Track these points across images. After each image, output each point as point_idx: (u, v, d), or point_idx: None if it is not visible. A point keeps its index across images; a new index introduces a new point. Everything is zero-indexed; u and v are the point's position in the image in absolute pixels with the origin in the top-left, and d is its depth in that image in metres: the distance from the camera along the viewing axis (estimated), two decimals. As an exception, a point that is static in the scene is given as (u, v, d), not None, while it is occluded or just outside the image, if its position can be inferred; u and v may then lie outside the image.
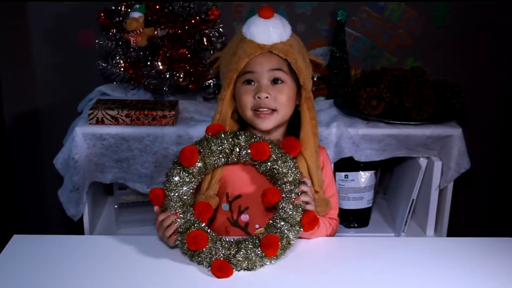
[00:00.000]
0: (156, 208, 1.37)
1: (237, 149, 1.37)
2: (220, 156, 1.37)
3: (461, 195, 2.44)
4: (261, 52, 1.41)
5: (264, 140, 1.37)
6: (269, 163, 1.36)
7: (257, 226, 1.45)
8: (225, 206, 1.47)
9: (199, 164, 1.35)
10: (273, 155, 1.36)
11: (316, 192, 1.45)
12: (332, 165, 1.96)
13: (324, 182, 1.53)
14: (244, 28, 1.43)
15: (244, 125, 1.51)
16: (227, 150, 1.37)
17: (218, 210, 1.48)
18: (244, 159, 1.38)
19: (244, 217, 1.46)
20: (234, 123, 1.50)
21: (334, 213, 1.56)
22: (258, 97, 1.42)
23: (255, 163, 1.38)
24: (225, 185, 1.46)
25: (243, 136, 1.37)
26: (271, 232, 1.32)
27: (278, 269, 1.30)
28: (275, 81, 1.44)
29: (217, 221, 1.49)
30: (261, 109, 1.43)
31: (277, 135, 1.50)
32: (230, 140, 1.37)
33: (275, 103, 1.43)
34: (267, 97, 1.42)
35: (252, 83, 1.44)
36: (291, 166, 1.36)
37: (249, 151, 1.36)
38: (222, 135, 1.37)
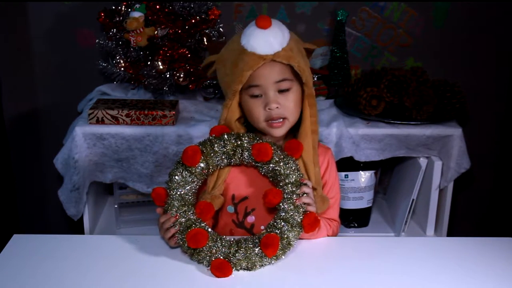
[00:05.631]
0: (159, 209, 1.38)
1: (240, 151, 1.37)
2: (223, 157, 1.38)
3: (461, 195, 2.44)
4: (264, 62, 1.40)
5: (266, 142, 1.38)
6: (271, 165, 1.37)
7: (262, 227, 1.45)
8: (230, 208, 1.47)
9: (202, 164, 1.36)
10: (275, 157, 1.37)
11: (314, 189, 1.45)
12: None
13: (327, 183, 1.53)
14: (243, 40, 1.40)
15: (250, 128, 1.50)
16: (230, 152, 1.37)
17: (222, 212, 1.48)
18: (246, 161, 1.39)
19: (250, 219, 1.47)
20: (241, 126, 1.50)
21: (335, 214, 1.56)
22: (269, 109, 1.42)
23: (258, 164, 1.38)
24: (228, 187, 1.46)
25: (246, 138, 1.38)
26: (271, 232, 1.32)
27: (277, 269, 1.30)
28: (281, 90, 1.43)
29: (221, 222, 1.49)
30: (273, 120, 1.43)
31: (282, 136, 1.50)
32: (233, 141, 1.37)
33: (285, 111, 1.43)
34: (277, 107, 1.42)
35: (260, 96, 1.43)
36: (293, 167, 1.37)
37: (251, 152, 1.36)
38: (225, 137, 1.38)
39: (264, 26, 1.39)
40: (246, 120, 1.50)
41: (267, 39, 1.38)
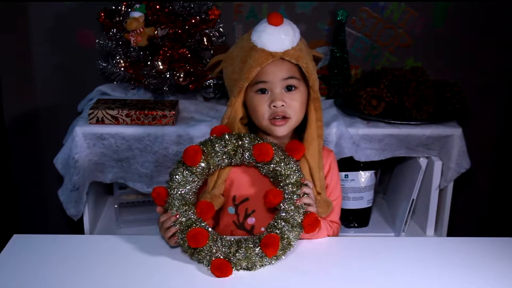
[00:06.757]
0: (159, 208, 1.38)
1: (241, 151, 1.37)
2: (224, 157, 1.38)
3: (461, 195, 2.44)
4: (273, 60, 1.40)
5: (267, 142, 1.38)
6: (272, 165, 1.37)
7: (262, 229, 1.44)
8: (231, 210, 1.47)
9: (203, 164, 1.36)
10: (276, 157, 1.37)
11: (318, 193, 1.45)
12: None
13: (329, 185, 1.53)
14: (254, 36, 1.41)
15: (252, 129, 1.50)
16: (230, 152, 1.37)
17: (223, 212, 1.48)
18: (247, 161, 1.39)
19: (251, 220, 1.47)
20: (243, 127, 1.49)
21: (336, 216, 1.56)
22: (274, 106, 1.42)
23: (258, 164, 1.38)
24: (230, 188, 1.46)
25: (247, 138, 1.38)
26: (271, 232, 1.32)
27: (277, 269, 1.30)
28: (288, 88, 1.43)
29: (222, 223, 1.49)
30: (277, 117, 1.43)
31: (286, 137, 1.50)
32: (234, 141, 1.37)
33: (289, 110, 1.43)
34: (282, 105, 1.42)
35: (266, 92, 1.43)
36: (294, 168, 1.37)
37: (252, 152, 1.36)
38: (226, 137, 1.38)
39: (276, 23, 1.40)
40: (248, 121, 1.50)
41: (278, 36, 1.39)
